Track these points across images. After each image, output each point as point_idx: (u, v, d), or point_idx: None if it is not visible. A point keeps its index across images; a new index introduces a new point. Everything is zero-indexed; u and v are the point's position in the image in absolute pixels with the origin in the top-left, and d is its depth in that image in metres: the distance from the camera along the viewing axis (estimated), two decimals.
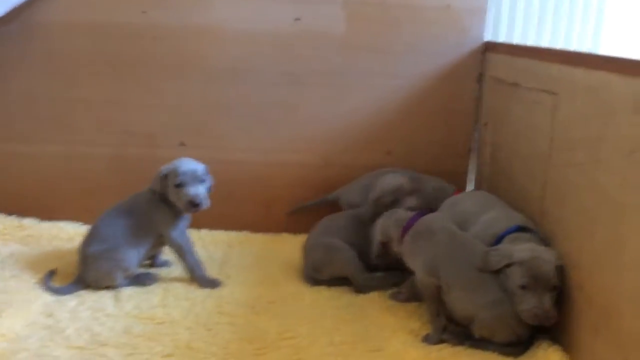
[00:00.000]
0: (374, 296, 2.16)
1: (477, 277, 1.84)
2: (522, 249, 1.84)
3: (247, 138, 2.66)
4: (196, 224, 2.60)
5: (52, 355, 1.69)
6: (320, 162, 2.70)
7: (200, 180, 2.15)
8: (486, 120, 2.58)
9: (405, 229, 2.01)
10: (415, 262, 1.96)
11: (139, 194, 2.23)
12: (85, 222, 2.51)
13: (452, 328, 1.88)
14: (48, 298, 2.02)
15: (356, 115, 2.67)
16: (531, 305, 1.76)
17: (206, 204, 2.14)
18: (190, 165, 2.16)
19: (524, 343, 1.83)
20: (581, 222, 1.74)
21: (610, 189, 1.60)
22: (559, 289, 1.79)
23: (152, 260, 2.35)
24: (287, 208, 2.71)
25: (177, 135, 2.63)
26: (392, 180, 2.30)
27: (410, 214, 2.06)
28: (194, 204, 2.11)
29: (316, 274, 2.24)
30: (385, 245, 2.05)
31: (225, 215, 2.67)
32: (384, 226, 2.06)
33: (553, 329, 1.85)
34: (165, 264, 2.35)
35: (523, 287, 1.78)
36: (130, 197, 2.23)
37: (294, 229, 2.71)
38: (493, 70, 2.55)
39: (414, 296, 2.11)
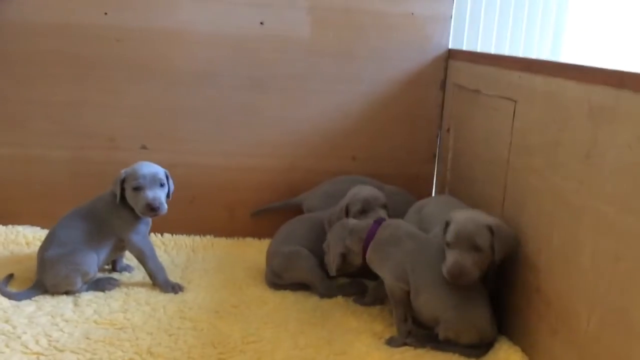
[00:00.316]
0: (338, 300, 2.16)
1: (444, 279, 1.85)
2: (461, 212, 1.91)
3: (211, 142, 2.64)
4: (158, 229, 2.59)
5: None
6: (284, 166, 2.70)
7: (160, 184, 2.13)
8: (448, 126, 2.62)
9: (368, 239, 1.99)
10: (383, 269, 1.96)
11: (100, 198, 2.19)
12: (44, 226, 2.46)
13: (416, 331, 1.90)
14: (5, 303, 1.96)
15: (321, 120, 2.68)
16: (449, 262, 1.80)
17: (164, 209, 2.11)
18: (150, 168, 2.14)
19: (486, 345, 1.86)
20: (539, 226, 1.78)
21: (567, 193, 1.64)
22: (486, 251, 1.80)
23: (113, 265, 2.31)
24: (251, 212, 2.70)
25: (139, 138, 2.60)
26: (367, 190, 2.27)
27: (365, 223, 2.04)
28: (151, 208, 2.08)
29: (277, 279, 2.23)
30: (344, 257, 2.03)
31: (188, 219, 2.65)
32: (340, 238, 2.03)
33: (514, 331, 1.89)
34: (126, 268, 2.32)
35: (448, 245, 1.83)
36: (91, 200, 2.19)
37: (258, 234, 2.70)
38: (455, 77, 2.59)
39: (377, 300, 2.13)
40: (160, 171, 2.15)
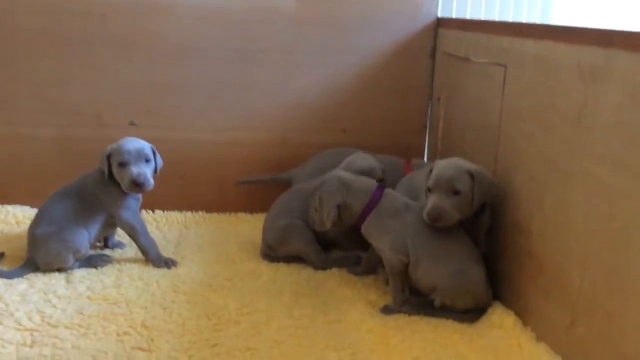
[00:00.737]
0: (332, 271, 2.16)
1: (443, 247, 1.86)
2: (443, 160, 1.93)
3: (200, 117, 2.61)
4: (149, 205, 2.57)
5: (2, 339, 1.64)
6: (274, 140, 2.68)
7: (145, 159, 2.10)
8: (438, 95, 2.61)
9: (370, 205, 1.93)
10: (381, 242, 1.92)
11: (88, 175, 2.17)
12: (34, 205, 2.43)
13: (410, 299, 1.91)
14: None
15: (310, 93, 2.66)
16: (429, 205, 1.83)
17: (150, 184, 2.09)
18: (135, 144, 2.10)
19: (480, 310, 1.87)
20: (531, 190, 1.78)
21: (558, 156, 1.64)
22: (466, 196, 1.82)
23: (105, 241, 2.30)
24: (243, 188, 2.69)
25: (127, 114, 2.56)
26: (364, 160, 2.23)
27: (367, 184, 1.97)
28: (136, 184, 2.06)
29: (272, 252, 2.23)
30: (339, 211, 1.95)
31: (179, 195, 2.63)
32: (337, 191, 1.94)
33: (506, 295, 1.91)
34: (118, 245, 2.30)
35: (429, 190, 1.87)
36: (79, 177, 2.17)
37: (250, 208, 2.69)
38: (445, 46, 2.57)
39: (370, 269, 2.13)
40: (145, 146, 2.12)
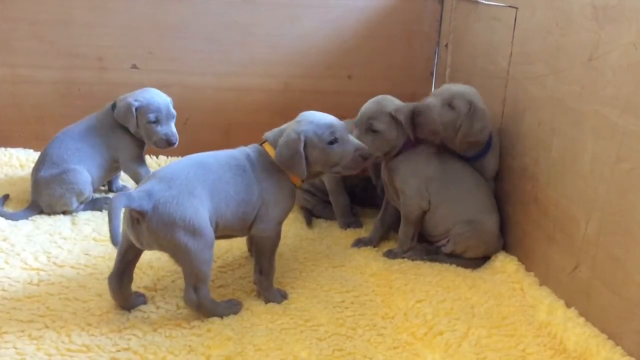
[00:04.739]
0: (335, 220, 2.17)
1: (462, 195, 1.86)
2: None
3: (203, 60, 2.57)
4: (153, 151, 2.54)
5: (9, 277, 1.65)
6: (279, 86, 2.64)
7: (172, 116, 2.12)
8: (446, 42, 2.56)
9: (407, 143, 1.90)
10: (407, 182, 1.88)
11: (93, 118, 2.15)
12: (37, 148, 2.42)
13: (416, 246, 1.91)
14: (2, 223, 1.96)
15: (315, 38, 2.61)
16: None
17: (177, 141, 2.14)
18: (162, 99, 2.11)
19: (484, 257, 1.89)
20: (539, 135, 1.76)
21: (568, 98, 1.61)
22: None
23: (109, 185, 2.30)
24: (248, 133, 2.66)
25: (129, 57, 2.52)
26: None
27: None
28: (170, 144, 2.10)
29: None
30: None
31: (183, 141, 2.56)
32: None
33: (510, 241, 1.91)
34: (122, 189, 2.30)
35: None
36: (82, 120, 2.15)
37: None
38: None
39: (372, 241, 2.02)
40: (170, 102, 2.14)
